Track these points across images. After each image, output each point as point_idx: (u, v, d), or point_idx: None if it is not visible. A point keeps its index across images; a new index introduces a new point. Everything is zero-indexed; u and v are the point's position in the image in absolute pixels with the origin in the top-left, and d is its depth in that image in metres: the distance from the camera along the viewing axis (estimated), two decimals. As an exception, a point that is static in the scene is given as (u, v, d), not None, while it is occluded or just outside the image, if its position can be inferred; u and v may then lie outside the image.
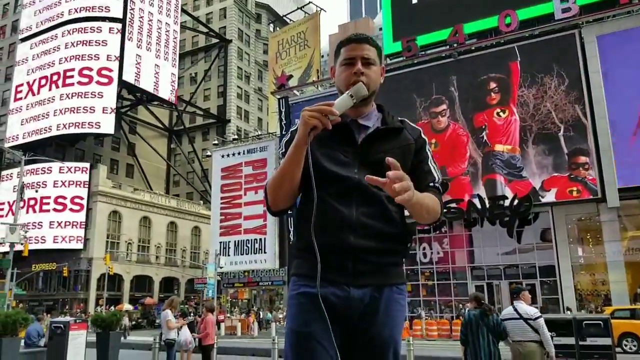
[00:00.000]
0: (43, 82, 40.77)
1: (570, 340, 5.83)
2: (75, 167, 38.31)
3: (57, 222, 36.70)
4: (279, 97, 30.28)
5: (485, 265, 23.03)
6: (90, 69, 39.31)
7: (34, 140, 39.85)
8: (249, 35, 57.48)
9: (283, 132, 27.99)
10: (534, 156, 21.76)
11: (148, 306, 36.77)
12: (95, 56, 39.56)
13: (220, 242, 31.00)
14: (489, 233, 22.41)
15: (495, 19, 23.39)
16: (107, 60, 39.62)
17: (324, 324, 1.35)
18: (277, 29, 51.52)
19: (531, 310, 4.95)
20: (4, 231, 20.48)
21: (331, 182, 1.44)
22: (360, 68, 1.49)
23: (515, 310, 4.96)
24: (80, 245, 36.80)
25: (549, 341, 4.78)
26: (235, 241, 30.76)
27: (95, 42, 39.91)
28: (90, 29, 40.29)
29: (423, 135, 1.58)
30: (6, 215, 36.32)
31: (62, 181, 37.48)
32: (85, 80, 39.17)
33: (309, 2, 49.45)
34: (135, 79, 40.96)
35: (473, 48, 24.13)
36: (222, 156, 32.75)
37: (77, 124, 38.66)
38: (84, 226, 37.06)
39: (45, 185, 37.11)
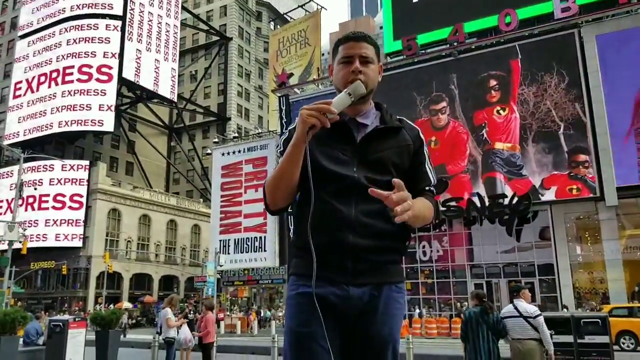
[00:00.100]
0: (42, 79, 40.69)
1: (569, 338, 5.85)
2: (74, 165, 38.27)
3: (56, 220, 36.70)
4: (279, 95, 30.25)
5: (485, 263, 23.06)
6: (90, 66, 39.22)
7: (33, 137, 39.80)
8: (249, 33, 57.37)
9: (283, 130, 27.98)
10: (533, 154, 21.78)
11: (147, 304, 36.82)
12: (95, 53, 39.47)
13: (220, 240, 31.02)
14: (488, 231, 22.44)
15: (495, 18, 23.38)
16: (107, 57, 39.54)
17: (320, 324, 1.35)
18: (278, 27, 51.41)
19: (531, 309, 4.97)
20: (2, 229, 20.47)
21: (330, 180, 1.44)
22: (358, 67, 1.49)
23: (516, 308, 4.98)
24: (79, 243, 36.80)
25: (548, 339, 4.80)
26: (235, 239, 30.78)
27: (95, 39, 39.81)
28: (89, 26, 40.19)
29: (421, 136, 1.58)
30: (5, 213, 36.31)
31: (61, 179, 37.46)
32: (85, 77, 39.10)
33: (310, 1, 49.37)
34: (135, 77, 40.89)
35: (473, 47, 24.12)
36: (222, 154, 32.74)
37: (76, 122, 38.60)
38: (83, 224, 37.06)
39: (45, 183, 37.08)
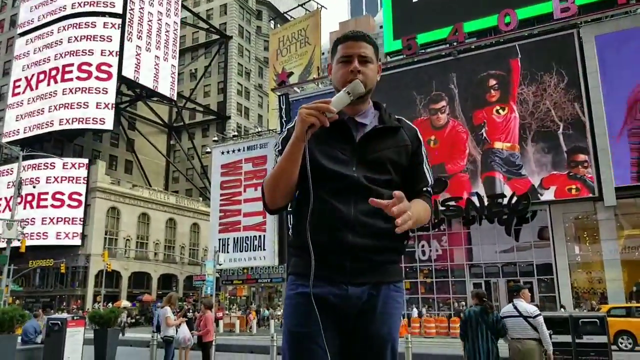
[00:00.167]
0: (42, 77, 40.60)
1: (567, 338, 5.86)
2: (73, 163, 38.21)
3: (55, 218, 36.65)
4: (279, 94, 30.23)
5: (484, 263, 23.10)
6: (90, 64, 39.15)
7: (32, 135, 39.74)
8: (249, 31, 57.30)
9: (282, 129, 27.94)
10: (533, 154, 21.80)
11: (146, 303, 36.78)
12: (94, 51, 39.38)
13: (220, 239, 31.01)
14: (487, 231, 22.46)
15: (494, 18, 23.39)
16: (107, 55, 39.46)
17: (319, 324, 1.36)
18: (278, 25, 51.35)
19: (531, 309, 4.99)
20: (1, 227, 20.45)
21: (329, 179, 1.44)
22: (357, 66, 1.49)
23: (515, 308, 5.00)
24: (78, 242, 36.77)
25: (547, 339, 4.82)
26: (234, 238, 30.78)
27: (95, 37, 39.72)
28: (89, 24, 40.10)
29: (419, 136, 1.58)
30: (3, 211, 36.27)
31: (60, 177, 37.40)
32: (84, 75, 39.02)
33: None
34: (135, 75, 40.82)
35: (473, 47, 24.14)
36: (222, 153, 32.72)
37: (75, 120, 38.53)
38: (82, 222, 37.01)
39: (44, 181, 37.02)
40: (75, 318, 8.12)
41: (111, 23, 40.22)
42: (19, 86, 41.94)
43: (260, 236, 30.01)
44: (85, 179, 37.77)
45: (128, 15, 40.61)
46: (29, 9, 43.55)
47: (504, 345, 5.19)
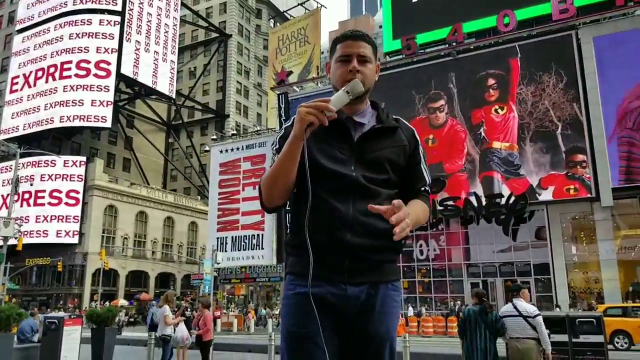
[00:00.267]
0: (40, 74, 40.43)
1: (564, 338, 5.89)
2: (71, 161, 38.08)
3: (52, 216, 36.54)
4: (278, 92, 30.21)
5: (481, 262, 23.16)
6: (88, 62, 39.00)
7: (29, 133, 39.58)
8: (249, 30, 57.20)
9: (281, 128, 27.89)
10: (531, 154, 21.86)
11: (143, 302, 36.73)
12: (93, 49, 39.23)
13: (218, 238, 30.98)
14: (485, 231, 22.52)
15: (494, 18, 23.42)
16: (106, 53, 39.31)
17: (317, 324, 1.35)
18: (278, 24, 51.27)
19: (530, 308, 5.03)
20: (-1, 225, 20.35)
21: (328, 179, 1.44)
22: (355, 66, 1.48)
23: (515, 307, 5.03)
24: (75, 240, 36.67)
25: (546, 339, 4.86)
26: (232, 237, 30.75)
27: (94, 34, 39.57)
28: (88, 21, 39.95)
29: (416, 136, 1.59)
30: (0, 209, 36.12)
31: (57, 175, 37.27)
32: (83, 72, 38.87)
33: (309, -2, 49.24)
34: (134, 73, 40.70)
35: (472, 47, 24.18)
36: (221, 151, 32.67)
37: (73, 117, 38.39)
38: (79, 220, 36.90)
39: (41, 178, 36.89)
40: (72, 317, 8.10)
41: (110, 20, 40.07)
42: (16, 83, 41.75)
43: (258, 235, 30.00)
44: (83, 176, 37.65)
45: (127, 13, 40.47)
46: (27, 5, 43.35)
47: (501, 344, 5.21)
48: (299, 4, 52.03)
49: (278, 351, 8.55)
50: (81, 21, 39.97)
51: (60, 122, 38.51)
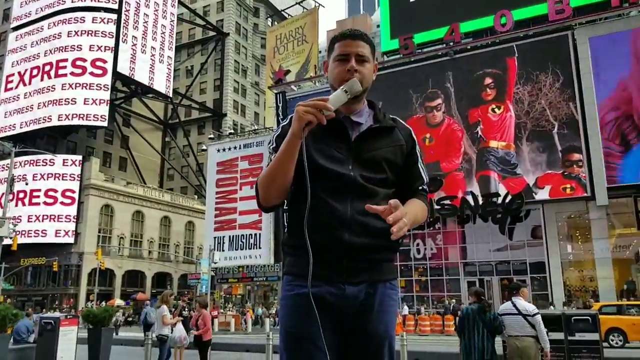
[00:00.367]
0: (35, 72, 40.14)
1: (560, 336, 5.93)
2: (67, 160, 37.86)
3: (48, 215, 36.31)
4: (276, 91, 30.18)
5: (478, 261, 23.27)
6: (84, 60, 38.75)
7: (24, 131, 39.29)
8: (246, 29, 57.04)
9: (278, 126, 27.87)
10: (527, 153, 21.96)
11: (140, 302, 36.61)
12: (89, 47, 38.99)
13: (215, 237, 30.92)
14: (481, 230, 22.62)
15: (491, 18, 23.49)
16: (102, 51, 39.08)
17: (318, 325, 1.35)
18: (275, 23, 51.19)
19: (530, 307, 5.09)
20: (-6, 224, 20.21)
21: (326, 178, 1.44)
22: (354, 65, 1.48)
23: (514, 306, 5.08)
24: (71, 240, 36.46)
25: (545, 337, 4.92)
26: (229, 236, 30.70)
27: (90, 32, 39.32)
28: (84, 18, 39.68)
29: (413, 135, 1.59)
30: (-3, 208, 35.80)
31: (53, 174, 37.04)
32: (79, 71, 38.63)
33: (306, -3, 49.15)
34: (130, 71, 40.48)
35: (469, 47, 24.25)
36: (218, 150, 32.60)
37: (69, 116, 38.15)
38: (75, 220, 36.70)
39: (36, 177, 36.66)
40: (68, 317, 8.06)
41: (107, 18, 39.84)
42: (11, 81, 41.43)
43: (256, 234, 29.97)
44: (79, 175, 37.44)
45: (124, 11, 40.25)
46: (22, 3, 43.01)
47: (498, 342, 5.24)
48: (296, 3, 51.95)
49: (276, 350, 8.56)
50: (77, 19, 39.71)
51: (56, 120, 38.25)
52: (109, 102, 39.32)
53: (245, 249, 30.18)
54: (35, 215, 36.23)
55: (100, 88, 38.73)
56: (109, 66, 38.96)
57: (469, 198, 22.09)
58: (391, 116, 1.60)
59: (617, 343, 12.86)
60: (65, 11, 40.13)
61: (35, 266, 36.65)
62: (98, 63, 38.92)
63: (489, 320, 5.01)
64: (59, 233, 36.33)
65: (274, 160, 1.42)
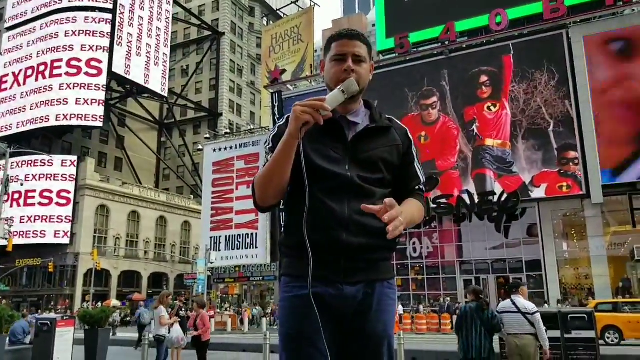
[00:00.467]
0: (29, 72, 39.84)
1: (556, 333, 5.96)
2: (62, 160, 37.61)
3: (43, 216, 36.08)
4: (272, 91, 30.13)
5: (474, 259, 23.36)
6: (79, 60, 38.50)
7: (19, 132, 39.01)
8: (242, 28, 56.90)
9: (274, 126, 27.82)
10: (523, 151, 22.06)
11: (136, 302, 36.46)
12: (84, 47, 38.74)
13: (211, 237, 30.85)
14: (477, 228, 22.70)
15: (486, 17, 23.57)
16: (97, 50, 38.84)
17: (318, 326, 1.35)
18: (271, 22, 51.09)
19: (529, 305, 5.12)
20: (-12, 225, 20.06)
21: (323, 178, 1.43)
22: (350, 65, 1.48)
23: (514, 304, 5.11)
24: (66, 240, 36.25)
25: (544, 335, 4.96)
26: (226, 236, 30.64)
27: (85, 32, 39.07)
28: (76, 19, 39.41)
29: (409, 135, 1.59)
30: (-9, 209, 35.53)
31: (48, 174, 36.80)
32: (74, 71, 38.38)
33: (302, -4, 49.09)
34: (125, 71, 40.26)
35: (464, 46, 24.32)
36: (214, 150, 32.51)
37: (64, 116, 37.90)
38: (70, 220, 36.48)
39: (31, 178, 36.39)
40: (64, 318, 8.01)
41: (101, 18, 39.60)
42: (6, 82, 41.11)
43: (252, 234, 29.93)
44: (74, 176, 37.22)
45: (119, 11, 40.01)
46: (15, 3, 42.65)
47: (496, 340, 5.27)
48: (292, 2, 51.88)
49: (273, 350, 8.55)
50: (71, 19, 39.44)
51: (51, 121, 37.99)
52: (104, 102, 39.10)
53: (242, 248, 30.14)
54: (31, 216, 35.98)
55: (96, 88, 38.51)
56: (104, 66, 38.74)
57: (465, 197, 22.16)
58: (387, 116, 1.60)
59: (612, 341, 12.95)
60: (59, 11, 39.85)
61: (30, 267, 36.42)
62: (93, 63, 38.68)
63: (487, 319, 5.03)
64: (55, 234, 36.11)
65: (270, 160, 1.42)
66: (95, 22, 39.49)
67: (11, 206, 34.89)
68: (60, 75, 38.40)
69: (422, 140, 23.33)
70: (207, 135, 35.99)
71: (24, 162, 36.89)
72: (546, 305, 18.79)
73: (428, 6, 26.24)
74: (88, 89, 38.28)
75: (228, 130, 38.27)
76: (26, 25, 41.29)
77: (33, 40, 40.41)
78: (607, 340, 12.81)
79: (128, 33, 40.78)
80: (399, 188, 1.53)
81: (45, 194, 36.49)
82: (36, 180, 36.58)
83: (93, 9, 39.81)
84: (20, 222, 34.81)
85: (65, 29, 39.29)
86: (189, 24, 53.88)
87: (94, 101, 38.31)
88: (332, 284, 1.43)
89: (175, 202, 45.45)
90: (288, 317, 1.46)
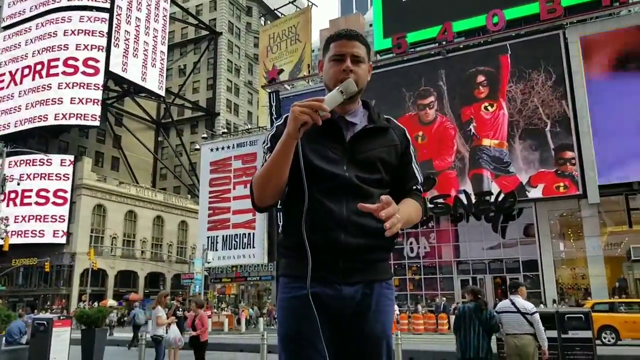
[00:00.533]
0: (26, 71, 39.64)
1: (553, 333, 5.98)
2: (59, 160, 37.43)
3: (40, 215, 35.90)
4: (269, 91, 30.09)
5: (471, 259, 23.42)
6: (76, 59, 38.33)
7: (16, 131, 38.80)
8: (239, 28, 56.81)
9: (272, 126, 27.79)
10: (520, 151, 22.11)
11: (133, 302, 36.32)
12: (81, 46, 38.56)
13: (208, 237, 30.78)
14: (474, 228, 22.75)
15: (483, 18, 23.63)
16: (93, 50, 38.68)
17: (316, 326, 1.35)
18: (268, 22, 51.04)
19: (529, 305, 5.14)
20: (-16, 225, 19.93)
21: (321, 179, 1.43)
22: (349, 65, 1.48)
23: (513, 304, 5.13)
24: (63, 240, 36.09)
25: (543, 335, 4.98)
26: (223, 236, 30.58)
27: (82, 31, 38.90)
28: (72, 18, 39.21)
29: (407, 135, 1.59)
30: (-14, 209, 35.31)
31: (45, 174, 36.63)
32: (71, 70, 38.21)
33: (299, -4, 49.07)
34: (123, 70, 40.11)
35: (461, 46, 24.37)
36: (211, 150, 32.44)
37: (61, 115, 37.73)
38: (67, 220, 36.33)
39: (28, 177, 36.19)
40: (61, 318, 7.98)
41: (98, 17, 39.44)
42: (2, 81, 40.86)
43: (249, 234, 29.88)
44: (71, 175, 37.05)
45: (116, 10, 39.86)
46: (11, 2, 42.39)
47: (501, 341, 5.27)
48: (289, 2, 51.84)
49: (270, 350, 8.54)
50: (68, 18, 39.25)
51: (48, 120, 37.81)
52: (101, 101, 38.95)
53: (239, 248, 30.09)
54: (27, 216, 35.80)
55: (94, 87, 38.34)
56: (101, 65, 38.59)
57: (462, 197, 22.20)
58: (385, 116, 1.60)
59: (609, 340, 12.99)
60: (56, 10, 39.68)
61: (26, 267, 36.24)
62: (90, 62, 38.52)
63: (485, 319, 5.04)
64: (51, 233, 35.95)
65: (269, 160, 1.42)
66: (91, 21, 39.32)
67: (7, 205, 34.69)
68: (57, 74, 38.23)
69: (419, 140, 23.35)
70: (205, 135, 35.91)
71: (21, 162, 36.69)
72: (542, 305, 18.86)
73: (425, 6, 26.28)
74: (85, 88, 38.12)
75: (225, 130, 38.20)
76: (22, 25, 41.08)
77: (29, 40, 40.20)
78: (603, 340, 12.85)
79: (125, 31, 40.62)
80: (397, 188, 1.53)
81: (42, 193, 36.32)
82: (33, 179, 36.40)
83: (90, 8, 39.64)
84: (17, 222, 34.62)
85: (63, 28, 39.10)
86: (187, 23, 53.74)
87: (90, 100, 38.15)
88: (330, 284, 1.43)
89: (173, 202, 45.33)
90: (287, 318, 1.46)
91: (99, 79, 38.73)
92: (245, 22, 58.47)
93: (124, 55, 40.19)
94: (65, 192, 36.73)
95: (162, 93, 44.61)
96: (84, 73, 38.26)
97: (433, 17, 25.16)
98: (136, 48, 41.56)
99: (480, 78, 23.35)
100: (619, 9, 22.06)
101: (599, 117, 20.49)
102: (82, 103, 37.89)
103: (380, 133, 1.52)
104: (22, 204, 36.13)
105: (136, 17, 41.96)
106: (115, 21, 39.66)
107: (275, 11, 55.57)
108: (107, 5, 39.51)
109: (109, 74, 39.32)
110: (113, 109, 46.08)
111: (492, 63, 23.13)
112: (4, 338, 7.67)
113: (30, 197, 36.20)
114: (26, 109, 38.73)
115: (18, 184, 32.86)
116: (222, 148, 31.99)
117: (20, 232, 34.97)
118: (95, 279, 35.78)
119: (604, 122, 20.35)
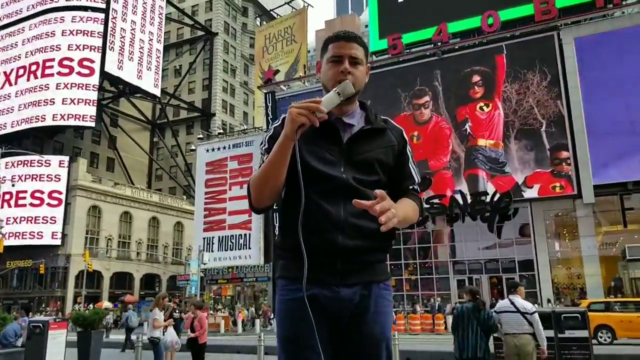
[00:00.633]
0: (21, 72, 39.36)
1: (550, 333, 6.01)
2: (53, 161, 37.17)
3: (34, 217, 35.64)
4: (265, 91, 30.07)
5: (467, 259, 23.50)
6: (71, 60, 38.10)
7: (10, 132, 38.50)
8: (235, 28, 56.73)
9: (269, 127, 27.78)
10: (516, 151, 22.22)
11: (128, 304, 36.12)
12: (76, 46, 38.34)
13: (204, 238, 30.67)
14: (470, 228, 22.83)
15: (478, 19, 23.74)
16: (89, 50, 38.46)
17: (313, 328, 1.35)
18: (264, 23, 51.03)
19: (528, 305, 5.17)
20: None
21: (318, 181, 1.43)
22: (347, 67, 1.48)
23: (512, 303, 5.15)
24: (58, 241, 35.84)
25: (542, 335, 5.01)
26: (219, 237, 30.49)
27: (77, 32, 38.69)
28: (68, 18, 38.98)
29: (404, 135, 1.60)
30: (-20, 210, 35.00)
31: (39, 175, 36.36)
32: (66, 71, 37.98)
33: (295, -4, 49.07)
34: (118, 70, 39.92)
35: (457, 47, 24.47)
36: (207, 150, 32.34)
37: (56, 116, 37.47)
38: (62, 221, 36.08)
39: (22, 179, 35.92)
40: (57, 320, 7.92)
41: (94, 17, 39.23)
42: (-5, 81, 40.54)
43: (245, 235, 29.81)
44: (66, 177, 36.81)
45: (111, 10, 39.67)
46: (4, 3, 42.08)
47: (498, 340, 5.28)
48: (285, 3, 51.77)
49: (267, 352, 8.52)
50: (64, 18, 39.02)
51: (43, 121, 37.54)
52: (96, 102, 38.74)
53: (235, 249, 30.00)
54: (22, 217, 35.52)
55: (88, 88, 38.12)
56: (97, 66, 38.39)
57: (458, 197, 22.27)
58: (383, 117, 1.60)
59: (605, 340, 13.07)
60: (52, 10, 39.43)
61: (21, 269, 35.96)
62: (85, 63, 38.31)
63: (483, 319, 5.06)
64: (47, 235, 35.68)
65: (266, 161, 1.42)
66: (87, 22, 39.11)
67: (2, 207, 34.43)
68: (52, 75, 37.99)
69: (414, 140, 23.41)
70: (200, 136, 35.80)
71: (16, 163, 36.41)
72: (536, 305, 18.93)
73: (421, 8, 26.36)
74: (80, 88, 37.90)
75: (221, 131, 38.15)
76: (17, 25, 40.80)
77: (24, 40, 39.93)
78: (600, 339, 12.92)
79: (121, 30, 40.43)
80: (394, 188, 1.53)
81: (37, 194, 36.06)
82: (26, 180, 36.12)
83: (86, 8, 39.43)
84: (11, 223, 34.33)
85: (58, 29, 38.87)
86: (182, 23, 53.59)
87: (85, 101, 37.93)
88: (327, 286, 1.42)
89: (168, 203, 45.15)
90: (284, 320, 1.46)
91: (94, 79, 38.52)
92: (241, 23, 58.39)
93: (119, 56, 40.00)
94: (60, 193, 36.48)
95: (158, 93, 44.43)
96: (79, 73, 38.04)
97: (428, 18, 25.24)
98: (132, 48, 41.37)
99: (476, 78, 23.45)
100: (613, 11, 22.25)
101: (594, 117, 20.64)
102: (77, 104, 37.66)
103: (377, 134, 1.52)
104: (16, 205, 35.84)
105: (132, 18, 41.78)
106: (110, 22, 39.46)
107: (271, 12, 55.51)
108: (103, 6, 39.32)
109: (104, 75, 39.12)
110: (108, 109, 45.84)
111: (488, 63, 23.24)
112: (-2, 341, 7.60)
113: (24, 198, 35.93)
114: (21, 109, 38.45)
115: (13, 185, 32.63)
116: (218, 149, 31.90)
117: (14, 234, 34.69)
118: (91, 281, 35.56)
119: (599, 122, 20.50)
